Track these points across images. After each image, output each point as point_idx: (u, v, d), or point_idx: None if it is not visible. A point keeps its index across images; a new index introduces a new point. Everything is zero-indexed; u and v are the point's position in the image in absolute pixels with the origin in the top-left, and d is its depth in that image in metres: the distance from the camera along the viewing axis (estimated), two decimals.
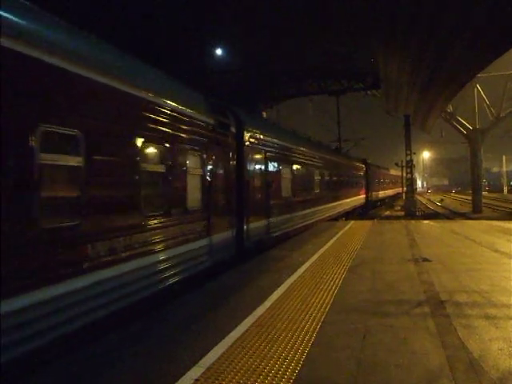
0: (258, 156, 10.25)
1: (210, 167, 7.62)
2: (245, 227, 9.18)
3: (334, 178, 20.67)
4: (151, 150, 5.93)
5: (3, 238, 3.45)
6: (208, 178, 7.55)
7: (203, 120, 7.44)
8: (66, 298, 4.11)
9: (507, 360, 3.55)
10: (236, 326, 4.52)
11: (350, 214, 25.00)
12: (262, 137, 10.53)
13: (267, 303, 5.35)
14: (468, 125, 32.16)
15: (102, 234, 4.71)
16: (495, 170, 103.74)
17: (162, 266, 5.86)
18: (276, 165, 11.73)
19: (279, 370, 3.47)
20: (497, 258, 8.12)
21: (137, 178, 5.40)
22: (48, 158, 4.04)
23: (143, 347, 4.05)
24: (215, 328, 4.51)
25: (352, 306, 5.18)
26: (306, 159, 15.18)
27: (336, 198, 20.83)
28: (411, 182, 31.33)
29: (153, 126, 5.78)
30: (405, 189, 35.68)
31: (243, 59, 24.77)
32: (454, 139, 52.24)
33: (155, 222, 5.77)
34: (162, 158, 6.12)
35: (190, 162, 6.96)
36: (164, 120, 6.04)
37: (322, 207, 17.66)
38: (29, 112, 3.85)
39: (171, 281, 6.03)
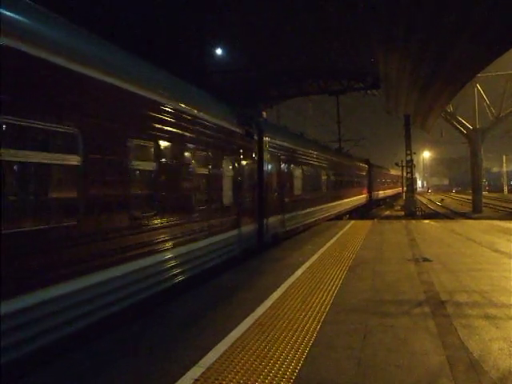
0: (274, 159, 11.45)
1: (239, 169, 8.97)
2: (264, 221, 10.35)
3: (339, 178, 21.84)
4: (200, 158, 7.18)
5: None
6: (237, 178, 8.85)
7: (235, 131, 8.85)
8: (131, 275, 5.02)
9: (507, 360, 3.55)
10: (236, 325, 4.52)
11: (353, 213, 25.99)
12: (277, 142, 11.77)
13: (267, 303, 5.35)
14: (468, 124, 32.16)
15: (173, 223, 6.13)
16: (495, 169, 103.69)
17: (209, 249, 7.25)
18: (289, 166, 12.98)
19: (279, 370, 3.47)
20: (497, 258, 8.11)
21: (192, 180, 6.89)
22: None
23: (143, 347, 4.05)
24: (215, 328, 4.51)
25: (352, 306, 5.18)
26: (314, 161, 16.52)
27: (341, 197, 21.93)
28: (411, 182, 31.34)
29: (202, 138, 7.18)
30: (405, 189, 35.80)
31: (243, 59, 24.77)
32: (454, 139, 52.30)
33: (203, 214, 7.12)
34: (209, 163, 7.46)
35: (226, 165, 8.29)
36: (208, 132, 7.41)
37: (329, 205, 18.86)
38: None
39: (214, 262, 7.41)
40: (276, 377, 3.36)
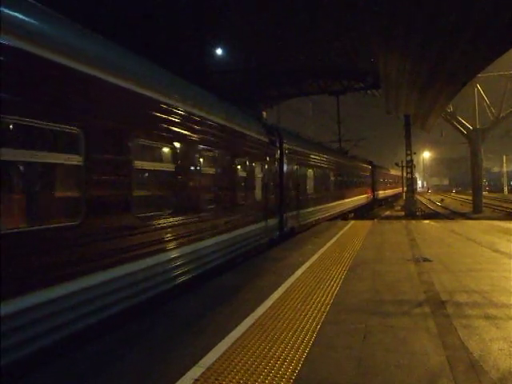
0: (291, 162, 13.11)
1: (266, 172, 10.78)
2: (284, 216, 12.13)
3: (346, 179, 23.98)
4: (241, 164, 9.11)
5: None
6: (265, 179, 10.66)
7: (263, 140, 10.58)
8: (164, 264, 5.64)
9: (507, 360, 3.55)
10: (236, 325, 4.52)
11: (357, 211, 27.69)
12: (294, 147, 13.48)
13: (267, 303, 5.35)
14: (468, 125, 32.15)
15: (223, 214, 7.89)
16: (495, 170, 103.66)
17: (246, 236, 9.02)
18: (304, 168, 14.85)
19: (279, 370, 3.47)
20: (497, 258, 8.11)
21: (235, 180, 8.71)
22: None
23: (143, 347, 4.05)
24: (215, 328, 4.51)
25: (352, 306, 5.18)
26: (325, 163, 18.54)
27: (347, 196, 23.95)
28: (411, 182, 31.34)
29: (240, 147, 9.07)
30: (405, 189, 35.92)
31: (243, 59, 24.78)
32: (454, 139, 52.31)
33: (241, 208, 8.91)
34: (247, 168, 9.44)
35: (257, 168, 10.22)
36: (244, 142, 9.30)
37: (337, 203, 21.03)
38: None
39: (247, 248, 9.11)
40: (276, 377, 3.36)
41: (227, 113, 8.38)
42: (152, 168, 5.93)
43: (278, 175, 11.83)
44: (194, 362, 3.62)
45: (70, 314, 3.98)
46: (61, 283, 3.88)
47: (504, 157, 77.48)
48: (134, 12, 16.76)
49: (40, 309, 3.66)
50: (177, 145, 6.10)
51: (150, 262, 5.25)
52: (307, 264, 7.89)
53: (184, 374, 3.41)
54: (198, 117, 6.87)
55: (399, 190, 54.27)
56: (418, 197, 50.66)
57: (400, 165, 37.43)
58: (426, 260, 8.07)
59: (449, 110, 31.52)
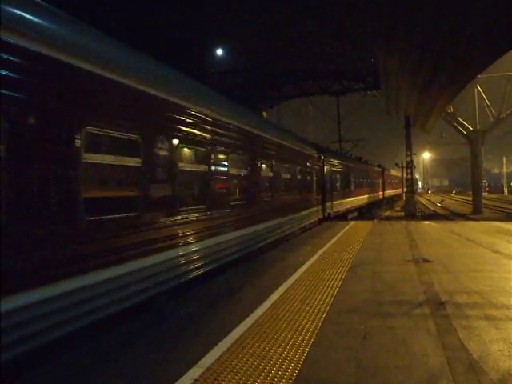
0: (328, 169, 18.52)
1: (317, 175, 16.21)
2: (325, 205, 17.56)
3: (364, 180, 30.89)
4: (306, 170, 14.33)
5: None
6: (317, 180, 16.10)
7: (314, 155, 16.07)
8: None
9: (507, 361, 3.55)
10: (236, 325, 4.52)
11: (371, 206, 34.19)
12: (330, 159, 19.21)
13: (267, 303, 5.35)
14: (468, 125, 32.15)
15: (298, 201, 13.17)
16: (495, 171, 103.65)
17: (307, 216, 14.28)
18: (335, 173, 20.64)
19: (279, 371, 3.47)
20: (497, 259, 8.10)
21: (305, 181, 14.10)
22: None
23: (142, 347, 4.05)
24: (215, 328, 4.50)
25: (352, 307, 5.18)
26: (350, 168, 25.23)
27: (365, 193, 30.81)
28: (411, 183, 31.34)
29: (304, 160, 14.30)
30: (405, 189, 36.14)
31: (244, 59, 24.77)
32: (454, 140, 52.31)
33: (307, 198, 14.37)
34: (307, 173, 14.51)
35: (313, 173, 15.61)
36: (306, 157, 14.53)
37: (357, 198, 27.30)
38: None
39: (310, 221, 14.77)
40: (276, 377, 3.36)
41: (298, 141, 14.15)
42: (237, 173, 8.20)
43: (322, 178, 17.18)
44: (194, 362, 3.61)
45: (144, 283, 4.85)
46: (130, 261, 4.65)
47: (504, 158, 77.51)
48: (134, 11, 16.76)
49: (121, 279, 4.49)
50: (269, 162, 10.24)
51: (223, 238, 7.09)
52: (307, 264, 7.89)
53: (183, 374, 3.41)
54: (284, 146, 11.62)
55: (401, 190, 54.89)
56: (418, 197, 50.68)
57: (400, 165, 37.52)
58: (425, 261, 8.07)
59: (449, 111, 31.54)
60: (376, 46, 17.16)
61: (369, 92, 33.45)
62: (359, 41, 20.94)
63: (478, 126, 32.30)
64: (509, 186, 75.92)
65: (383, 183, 42.01)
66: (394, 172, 53.59)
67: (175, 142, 5.71)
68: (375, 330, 4.35)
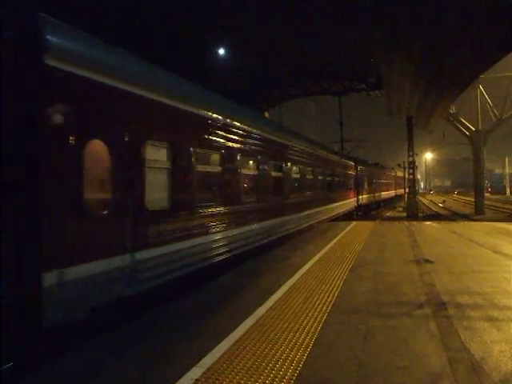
0: (359, 173, 26.61)
1: (353, 178, 24.90)
2: (358, 197, 26.22)
3: (383, 181, 40.73)
4: (342, 175, 21.74)
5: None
6: (353, 180, 25.02)
7: (351, 164, 25.22)
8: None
9: (509, 362, 3.54)
10: (237, 326, 4.52)
11: (388, 202, 44.31)
12: (361, 166, 27.67)
13: (268, 303, 5.35)
14: (470, 126, 32.06)
15: (343, 195, 22.19)
16: (498, 171, 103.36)
17: (350, 204, 24.18)
18: (364, 175, 29.13)
19: (280, 371, 3.46)
20: (499, 260, 8.09)
21: (348, 181, 23.74)
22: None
23: (143, 347, 4.05)
24: (216, 328, 4.50)
25: (353, 307, 5.17)
26: (375, 173, 35.07)
27: (384, 191, 40.62)
28: (413, 183, 31.29)
29: (345, 168, 23.12)
30: (407, 190, 36.36)
31: (246, 59, 24.78)
32: (456, 140, 52.26)
33: (345, 194, 22.50)
34: (346, 178, 22.74)
35: (352, 177, 24.71)
36: (346, 166, 23.54)
37: (379, 194, 36.96)
38: None
39: (348, 209, 23.43)
40: (276, 377, 3.35)
41: (343, 156, 23.54)
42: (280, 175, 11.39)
43: (356, 180, 25.53)
44: (195, 362, 3.62)
45: (186, 260, 6.26)
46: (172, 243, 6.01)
47: (506, 158, 77.29)
48: (134, 12, 16.77)
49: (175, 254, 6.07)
50: (331, 171, 18.02)
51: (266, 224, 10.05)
52: (309, 264, 7.89)
53: (184, 374, 3.41)
54: (337, 162, 20.22)
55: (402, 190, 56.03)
56: (420, 198, 50.72)
57: (402, 166, 37.62)
58: (427, 261, 8.05)
59: (451, 112, 31.45)
60: (377, 50, 17.15)
61: (371, 92, 33.39)
62: (361, 43, 20.94)
63: (480, 127, 32.21)
64: (511, 187, 75.65)
65: (395, 184, 52.63)
66: (400, 173, 55.39)
67: (239, 153, 8.10)
68: (377, 331, 4.34)
